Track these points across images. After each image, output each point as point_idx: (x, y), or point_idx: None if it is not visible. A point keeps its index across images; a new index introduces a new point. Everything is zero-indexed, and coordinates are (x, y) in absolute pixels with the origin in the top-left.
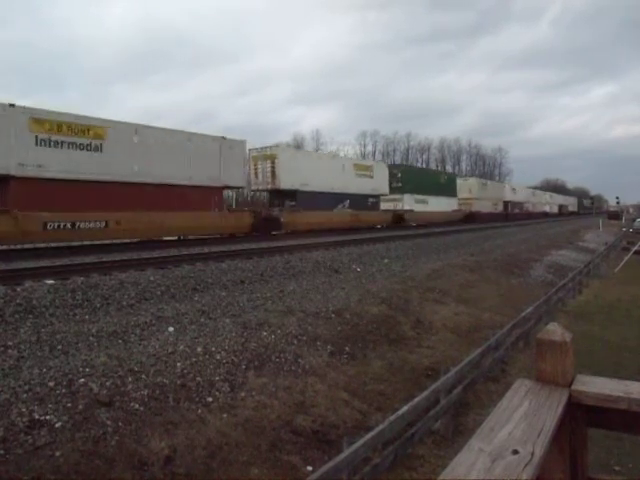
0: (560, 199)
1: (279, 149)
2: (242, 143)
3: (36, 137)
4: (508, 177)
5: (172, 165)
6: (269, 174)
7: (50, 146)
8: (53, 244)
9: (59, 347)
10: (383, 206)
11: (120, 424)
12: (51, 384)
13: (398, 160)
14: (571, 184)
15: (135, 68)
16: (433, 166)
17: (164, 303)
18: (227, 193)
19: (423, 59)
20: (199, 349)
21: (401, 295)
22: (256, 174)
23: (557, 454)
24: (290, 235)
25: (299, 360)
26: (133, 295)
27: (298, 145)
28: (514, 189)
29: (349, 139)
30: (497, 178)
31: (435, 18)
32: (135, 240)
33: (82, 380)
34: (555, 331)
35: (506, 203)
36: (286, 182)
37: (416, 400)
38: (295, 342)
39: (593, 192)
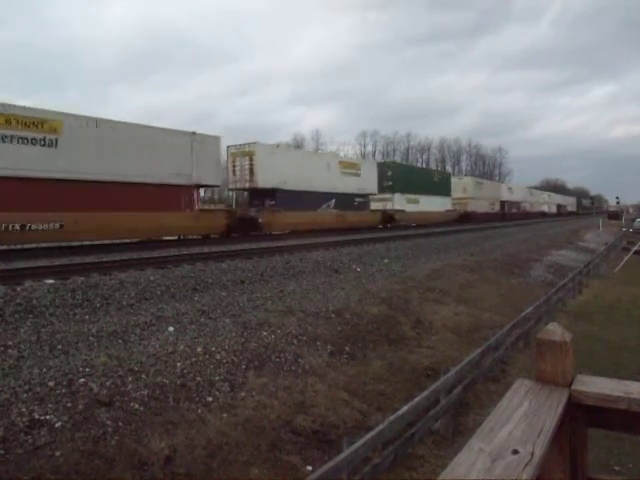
0: (559, 199)
1: (257, 145)
2: (216, 139)
3: None
4: (508, 177)
5: (137, 162)
6: (247, 172)
7: None
8: (53, 244)
9: (59, 347)
10: (373, 206)
11: (120, 424)
12: (51, 384)
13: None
14: (571, 184)
15: (135, 68)
16: (433, 166)
17: (164, 303)
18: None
19: (423, 59)
20: (199, 349)
21: (401, 295)
22: (234, 172)
23: (557, 454)
24: (291, 235)
25: (299, 360)
26: (133, 295)
27: (298, 145)
28: (511, 188)
29: (349, 139)
30: (497, 178)
31: (435, 18)
32: (98, 242)
33: (82, 380)
34: (555, 331)
35: (503, 203)
36: (264, 180)
37: (416, 400)
38: (295, 342)
39: (593, 192)
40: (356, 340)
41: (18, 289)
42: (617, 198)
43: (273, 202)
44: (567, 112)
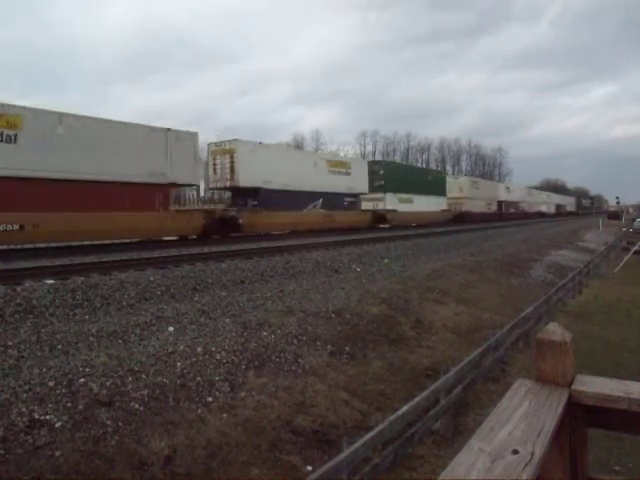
0: (558, 199)
1: (238, 142)
2: (193, 135)
3: None
4: (508, 177)
5: (106, 160)
6: (228, 170)
7: None
8: (53, 244)
9: (59, 347)
10: (364, 206)
11: (120, 424)
12: (51, 384)
13: (398, 160)
14: (571, 184)
15: (135, 68)
16: (433, 166)
17: (164, 303)
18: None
19: (423, 59)
20: (199, 349)
21: (401, 295)
22: (215, 170)
23: (557, 454)
24: (290, 235)
25: (299, 360)
26: (133, 295)
27: (298, 145)
28: (509, 188)
29: (349, 139)
30: (497, 178)
31: (435, 18)
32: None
33: (82, 380)
34: (555, 331)
35: (500, 203)
36: (246, 179)
37: (416, 400)
38: (295, 342)
39: (593, 192)
40: (356, 340)
41: (18, 289)
42: (617, 198)
43: (255, 202)
44: (567, 112)
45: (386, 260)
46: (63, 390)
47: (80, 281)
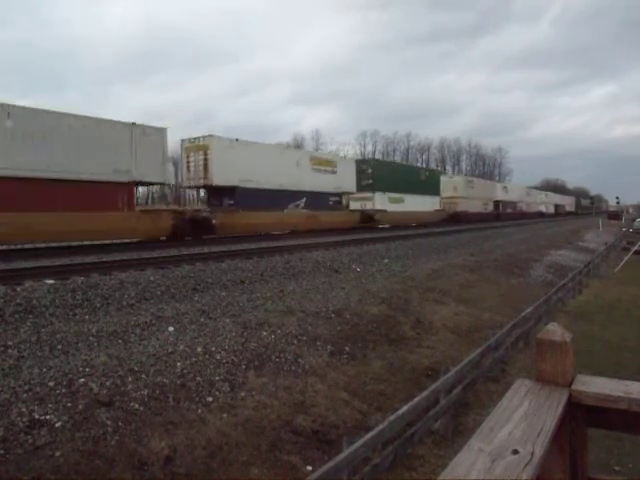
0: (556, 198)
1: (212, 138)
2: (161, 131)
3: None
4: (508, 177)
5: (62, 156)
6: (201, 168)
7: None
8: (53, 244)
9: (59, 347)
10: (352, 205)
11: (120, 424)
12: (51, 384)
13: (398, 160)
14: (571, 184)
15: (135, 68)
16: (433, 166)
17: (164, 303)
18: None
19: (423, 59)
20: (199, 349)
21: (401, 295)
22: (188, 168)
23: (557, 454)
24: (290, 235)
25: (299, 360)
26: (133, 295)
27: (298, 145)
28: (506, 187)
29: (349, 139)
30: (497, 178)
31: (435, 18)
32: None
33: (82, 380)
34: (555, 331)
35: (497, 202)
36: (221, 177)
37: (416, 400)
38: (295, 342)
39: (593, 192)
40: (356, 340)
41: (18, 289)
42: (617, 198)
43: (232, 202)
44: (567, 112)
45: (386, 260)
46: (63, 390)
47: (80, 281)
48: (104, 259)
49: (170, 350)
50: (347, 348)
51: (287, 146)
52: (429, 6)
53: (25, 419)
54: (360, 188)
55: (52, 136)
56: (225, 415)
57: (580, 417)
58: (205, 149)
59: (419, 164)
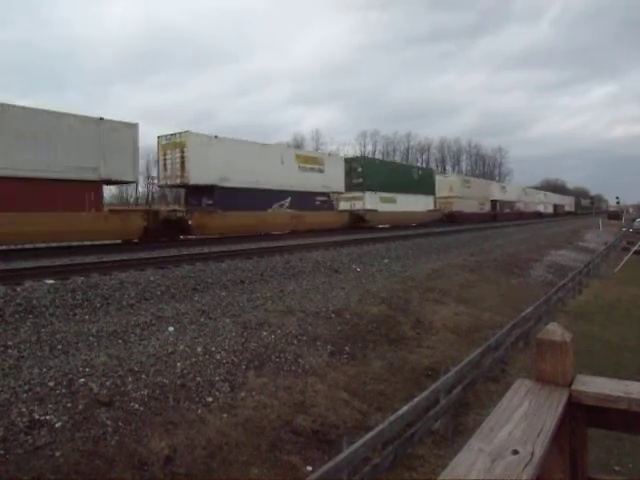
0: (555, 198)
1: (189, 135)
2: (132, 127)
3: None
4: (508, 177)
5: (21, 152)
6: (178, 166)
7: None
8: (54, 244)
9: (59, 347)
10: (342, 205)
11: (120, 424)
12: (51, 384)
13: (398, 160)
14: (571, 184)
15: (135, 68)
16: (433, 166)
17: (164, 303)
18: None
19: (423, 59)
20: (199, 349)
21: (401, 295)
22: (165, 166)
23: (557, 454)
24: (291, 235)
25: (299, 360)
26: (133, 295)
27: (298, 145)
28: (504, 187)
29: (349, 139)
30: (497, 178)
31: (435, 18)
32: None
33: (82, 380)
34: (555, 331)
35: (494, 202)
36: (198, 176)
37: (416, 400)
38: (295, 342)
39: (593, 192)
40: (356, 340)
41: (18, 289)
42: (617, 198)
43: (211, 201)
44: (567, 112)
45: (386, 260)
46: (63, 390)
47: (80, 281)
48: (104, 259)
49: (170, 350)
50: (347, 348)
51: (270, 144)
52: (429, 6)
53: (25, 419)
54: (350, 187)
55: (5, 130)
56: (225, 415)
57: (580, 417)
58: (182, 146)
59: (419, 164)
